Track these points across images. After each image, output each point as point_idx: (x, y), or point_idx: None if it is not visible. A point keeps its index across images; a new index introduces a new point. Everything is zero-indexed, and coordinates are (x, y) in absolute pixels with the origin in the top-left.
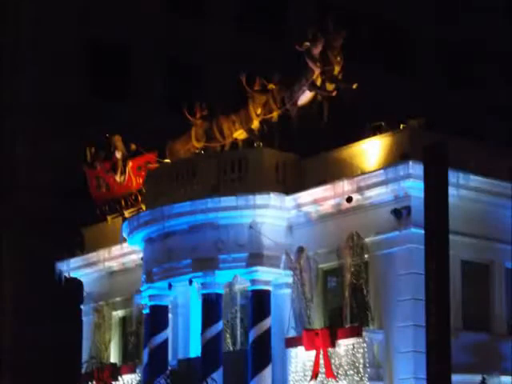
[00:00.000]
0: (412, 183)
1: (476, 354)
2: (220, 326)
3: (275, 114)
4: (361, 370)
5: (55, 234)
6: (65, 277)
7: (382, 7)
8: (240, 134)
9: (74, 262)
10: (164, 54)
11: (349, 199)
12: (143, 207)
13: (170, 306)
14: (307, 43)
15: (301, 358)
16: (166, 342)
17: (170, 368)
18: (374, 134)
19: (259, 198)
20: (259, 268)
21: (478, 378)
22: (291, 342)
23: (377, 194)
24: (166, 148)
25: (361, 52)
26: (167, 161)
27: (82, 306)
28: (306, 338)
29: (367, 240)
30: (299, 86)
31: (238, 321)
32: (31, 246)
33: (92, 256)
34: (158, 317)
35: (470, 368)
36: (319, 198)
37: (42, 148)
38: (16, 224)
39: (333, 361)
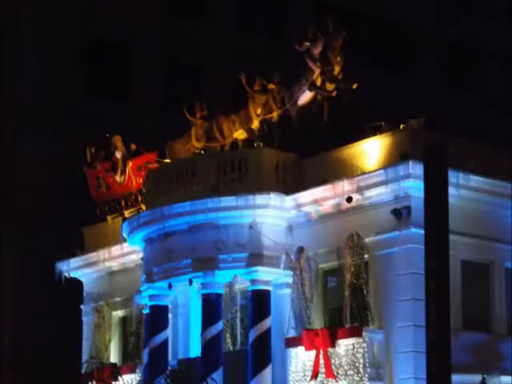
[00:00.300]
0: (412, 183)
1: (476, 354)
2: (220, 326)
3: (275, 114)
4: (361, 369)
5: (55, 233)
6: (65, 277)
7: (381, 7)
8: (240, 134)
9: (74, 262)
10: (164, 54)
11: (349, 199)
12: (143, 207)
13: (170, 306)
14: (307, 43)
15: (301, 358)
16: (166, 342)
17: (169, 368)
18: (374, 133)
19: (259, 198)
20: (259, 268)
21: (478, 378)
22: (291, 342)
23: (377, 193)
24: (166, 148)
25: (361, 52)
26: (167, 161)
27: (81, 306)
28: (306, 338)
29: (367, 240)
30: (299, 86)
31: (238, 321)
32: (31, 245)
33: (92, 256)
34: (158, 317)
35: (470, 368)
36: (319, 198)
37: (42, 148)
38: (16, 224)
39: (333, 361)
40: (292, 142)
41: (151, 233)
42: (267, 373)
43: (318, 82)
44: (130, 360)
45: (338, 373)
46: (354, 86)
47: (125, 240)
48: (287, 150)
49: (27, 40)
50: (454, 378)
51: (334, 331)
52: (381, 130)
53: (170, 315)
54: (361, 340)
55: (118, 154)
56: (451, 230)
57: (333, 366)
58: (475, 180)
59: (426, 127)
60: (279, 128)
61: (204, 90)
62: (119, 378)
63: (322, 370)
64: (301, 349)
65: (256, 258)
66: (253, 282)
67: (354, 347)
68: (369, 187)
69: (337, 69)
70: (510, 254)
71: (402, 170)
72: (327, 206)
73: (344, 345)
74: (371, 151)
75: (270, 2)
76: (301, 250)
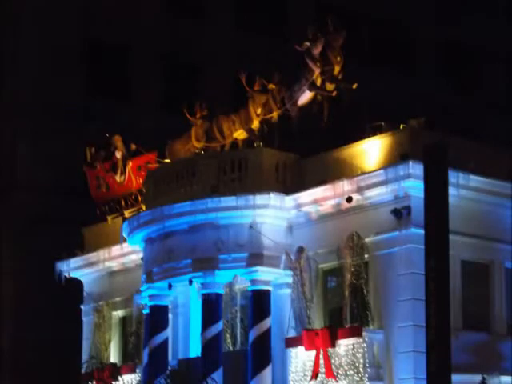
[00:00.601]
0: (412, 183)
1: (476, 354)
2: (220, 326)
3: (275, 114)
4: (361, 369)
5: (55, 233)
6: (65, 277)
7: (381, 7)
8: (240, 134)
9: (74, 262)
10: (164, 54)
11: (349, 199)
12: (143, 207)
13: (170, 306)
14: (307, 43)
15: (301, 358)
16: (166, 342)
17: (169, 368)
18: (374, 133)
19: (259, 198)
20: (259, 268)
21: (478, 378)
22: (291, 342)
23: (377, 193)
24: (166, 148)
25: (361, 52)
26: (167, 161)
27: (82, 306)
28: (306, 338)
29: (367, 240)
30: (299, 86)
31: (238, 321)
32: (31, 245)
33: (92, 256)
34: (158, 317)
35: (470, 368)
36: (319, 198)
37: (42, 148)
38: (16, 224)
39: (333, 361)
40: (292, 142)
41: (151, 233)
42: (267, 373)
43: (318, 82)
44: (130, 360)
45: (338, 373)
46: (354, 86)
47: (125, 240)
48: (287, 149)
49: (27, 40)
50: (454, 378)
51: (333, 331)
52: (381, 129)
53: (170, 315)
54: (361, 340)
55: (118, 154)
56: (451, 230)
57: (333, 366)
58: (475, 180)
59: (426, 127)
60: (279, 128)
61: (204, 90)
62: (119, 377)
63: (322, 369)
64: (301, 349)
65: (256, 257)
66: (253, 282)
67: (353, 347)
68: (369, 187)
69: (337, 69)
70: (510, 254)
71: (402, 170)
72: (327, 206)
73: (344, 345)
74: (371, 151)
75: (269, 2)
76: (301, 250)
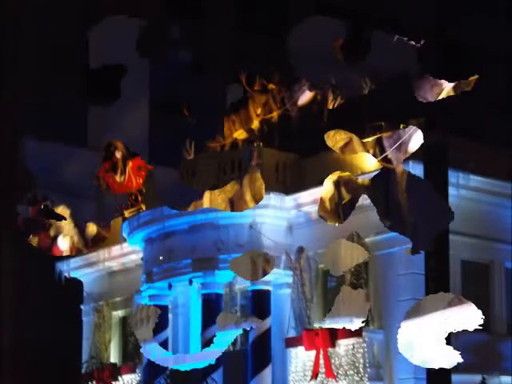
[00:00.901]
0: None
1: (476, 354)
2: None
3: (275, 114)
4: (361, 369)
5: None
6: (65, 277)
7: (382, 7)
8: (240, 134)
9: (74, 262)
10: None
11: None
12: (143, 207)
13: (170, 306)
14: None
15: (301, 358)
16: (166, 341)
17: (170, 368)
18: (373, 133)
19: None
20: None
21: (478, 378)
22: (291, 342)
23: None
24: None
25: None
26: None
27: (82, 306)
28: (306, 338)
29: (367, 240)
30: (299, 86)
31: None
32: (31, 245)
33: (92, 256)
34: (158, 317)
35: (470, 368)
36: (319, 198)
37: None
38: (16, 224)
39: (333, 361)
40: (292, 142)
41: (151, 233)
42: (267, 373)
43: None
44: (130, 360)
45: (338, 373)
46: None
47: (125, 240)
48: (287, 149)
49: (27, 40)
50: (454, 378)
51: (333, 331)
52: (381, 130)
53: (170, 315)
54: (361, 340)
55: (118, 154)
56: (451, 230)
57: (333, 366)
58: (475, 180)
59: (426, 127)
60: (279, 128)
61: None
62: (119, 377)
63: (322, 370)
64: (301, 349)
65: None
66: (253, 281)
67: (354, 347)
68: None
69: None
70: (510, 254)
71: None
72: None
73: (344, 345)
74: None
75: (269, 2)
76: (301, 250)
